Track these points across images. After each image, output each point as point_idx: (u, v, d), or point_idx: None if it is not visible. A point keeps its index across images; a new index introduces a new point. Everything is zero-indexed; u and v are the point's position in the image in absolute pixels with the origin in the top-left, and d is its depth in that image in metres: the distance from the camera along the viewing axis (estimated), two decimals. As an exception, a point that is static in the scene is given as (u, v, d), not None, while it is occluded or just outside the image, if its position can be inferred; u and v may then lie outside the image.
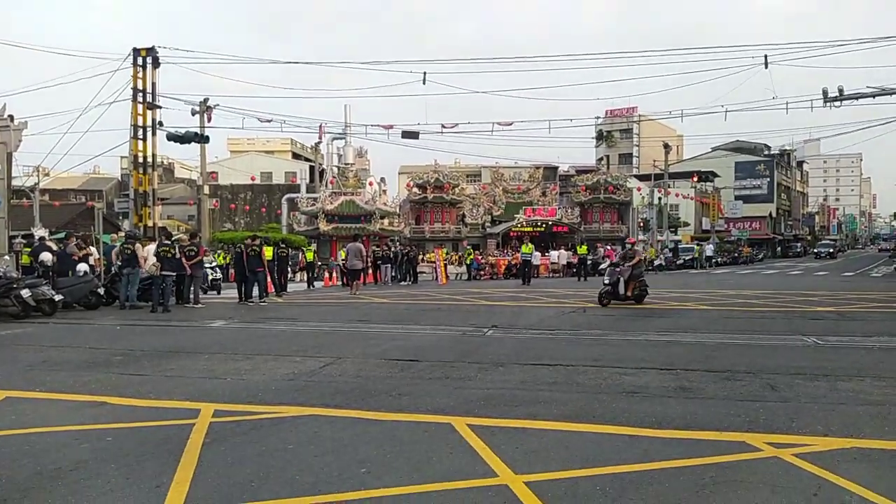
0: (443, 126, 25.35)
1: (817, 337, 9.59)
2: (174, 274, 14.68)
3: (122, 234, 19.05)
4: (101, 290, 15.02)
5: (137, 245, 15.22)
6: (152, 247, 15.45)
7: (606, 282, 14.61)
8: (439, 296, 18.84)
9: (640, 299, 14.68)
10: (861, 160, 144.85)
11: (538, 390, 6.24)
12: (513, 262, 30.86)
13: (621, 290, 14.33)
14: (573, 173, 65.24)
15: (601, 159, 78.40)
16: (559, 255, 34.26)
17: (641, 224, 48.87)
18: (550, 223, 49.42)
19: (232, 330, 11.36)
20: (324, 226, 39.72)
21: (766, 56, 18.12)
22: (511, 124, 25.66)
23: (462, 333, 10.46)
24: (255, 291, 16.53)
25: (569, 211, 51.25)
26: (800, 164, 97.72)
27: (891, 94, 18.53)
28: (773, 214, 77.66)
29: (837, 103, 18.17)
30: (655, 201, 48.77)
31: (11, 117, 16.52)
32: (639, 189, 53.60)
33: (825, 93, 18.02)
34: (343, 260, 25.91)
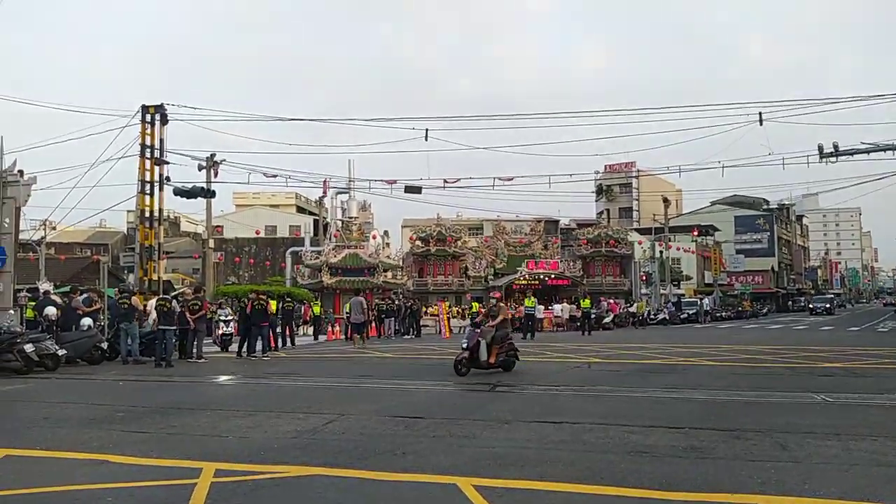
0: (445, 181, 25.79)
1: (826, 394, 9.47)
2: (174, 328, 14.62)
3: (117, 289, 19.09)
4: (105, 345, 14.95)
5: (134, 299, 15.23)
6: (153, 301, 15.49)
7: (465, 345, 12.04)
8: (443, 350, 18.70)
9: (507, 366, 12.29)
10: (860, 214, 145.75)
11: (545, 449, 6.15)
12: (516, 316, 30.73)
13: (482, 355, 11.83)
14: (574, 227, 65.66)
15: (601, 213, 79.07)
16: (562, 309, 34.12)
17: (644, 277, 48.85)
18: (553, 276, 49.44)
19: (235, 385, 11.26)
20: (327, 279, 39.74)
21: (760, 113, 18.52)
22: (512, 179, 26.11)
23: (467, 389, 10.36)
24: (259, 345, 16.44)
25: (571, 264, 51.31)
26: (799, 218, 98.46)
27: (885, 150, 18.83)
28: (776, 268, 77.72)
29: (833, 159, 18.45)
30: (657, 255, 48.90)
31: (21, 172, 16.82)
32: (640, 242, 53.82)
33: (821, 149, 18.33)
34: (347, 313, 25.87)
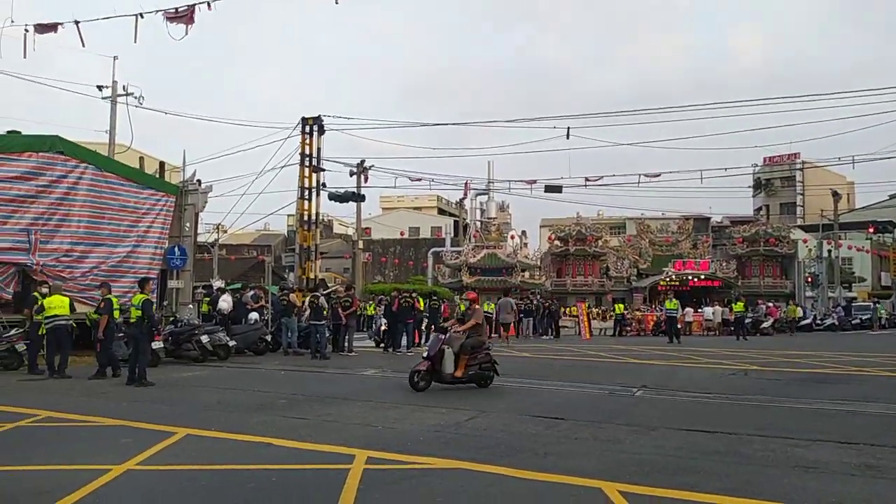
0: (586, 179, 25.28)
1: None
2: (323, 323, 15.58)
3: (278, 286, 20.75)
4: (269, 338, 16.34)
5: (292, 296, 16.46)
6: (307, 298, 16.66)
7: (425, 355, 10.17)
8: (583, 351, 18.34)
9: (481, 381, 10.21)
10: None
11: (696, 459, 5.84)
12: (661, 319, 29.34)
13: (446, 367, 9.87)
14: (727, 224, 61.44)
15: (759, 209, 73.18)
16: (714, 312, 32.01)
17: (809, 279, 44.57)
18: (703, 277, 46.61)
19: (382, 379, 11.82)
20: (467, 278, 40.48)
21: (956, 93, 16.15)
22: (659, 175, 24.91)
23: (609, 392, 10.09)
24: (404, 341, 17.11)
25: (723, 264, 48.05)
26: None
27: None
28: (973, 269, 67.56)
29: None
30: (824, 254, 44.44)
31: (199, 182, 18.81)
32: (805, 241, 49.21)
33: None
34: (486, 313, 26.15)
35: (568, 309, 35.67)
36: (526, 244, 64.29)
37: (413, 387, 9.74)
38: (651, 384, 10.88)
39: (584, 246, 47.44)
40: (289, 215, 56.73)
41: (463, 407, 8.38)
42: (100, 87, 22.61)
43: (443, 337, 10.14)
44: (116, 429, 7.05)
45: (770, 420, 7.81)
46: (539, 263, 46.58)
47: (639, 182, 25.12)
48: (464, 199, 52.62)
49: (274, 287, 21.89)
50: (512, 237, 50.75)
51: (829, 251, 45.00)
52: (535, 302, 27.85)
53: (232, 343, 14.71)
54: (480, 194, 49.94)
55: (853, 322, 36.81)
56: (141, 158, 22.39)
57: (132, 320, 11.21)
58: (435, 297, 21.54)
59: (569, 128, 21.57)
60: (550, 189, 25.75)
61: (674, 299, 25.59)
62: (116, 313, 11.64)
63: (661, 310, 29.21)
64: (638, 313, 33.24)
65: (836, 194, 45.18)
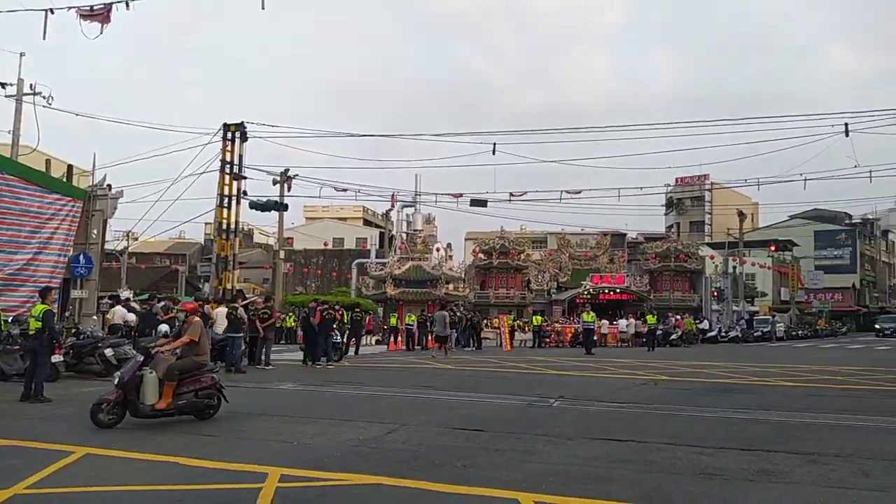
0: (511, 194, 25.70)
1: (916, 420, 8.85)
2: (241, 335, 15.09)
3: (193, 297, 19.96)
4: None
5: (207, 307, 15.84)
6: (223, 309, 16.02)
7: (117, 381, 7.91)
8: (504, 363, 18.58)
9: (198, 412, 8.26)
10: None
11: (610, 468, 6.00)
12: (578, 331, 30.22)
13: (147, 397, 7.82)
14: (642, 240, 64.12)
15: (671, 227, 76.92)
16: (628, 325, 33.32)
17: (715, 293, 47.14)
18: (618, 290, 48.40)
19: (300, 393, 11.53)
20: (391, 290, 40.29)
21: (846, 124, 17.62)
22: (580, 193, 25.67)
23: (528, 403, 10.24)
24: (320, 353, 16.78)
25: (637, 279, 50.10)
26: (885, 233, 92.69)
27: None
28: (857, 286, 73.43)
29: (925, 170, 17.29)
30: (730, 270, 47.13)
31: (109, 186, 17.88)
32: (712, 257, 52.02)
33: (911, 160, 17.21)
34: (409, 325, 26.20)
35: (489, 321, 36.10)
36: (451, 256, 64.74)
37: (96, 423, 7.54)
38: (568, 395, 11.13)
39: (507, 259, 48.30)
40: (206, 223, 54.83)
41: (382, 420, 8.29)
42: (2, 85, 21.12)
43: (141, 359, 8.11)
44: (5, 449, 6.53)
45: (678, 428, 8.14)
46: (463, 276, 46.99)
47: (560, 198, 25.87)
48: (390, 210, 52.52)
49: (187, 297, 21.03)
50: (437, 249, 51.00)
51: (734, 267, 47.78)
52: (458, 314, 28.02)
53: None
54: (407, 206, 49.91)
55: (755, 334, 39.19)
56: (48, 161, 21.08)
57: (31, 332, 10.45)
58: (358, 309, 21.27)
59: (495, 143, 21.82)
60: (476, 203, 26.08)
61: (591, 312, 26.40)
62: (5, 324, 10.84)
63: (579, 322, 30.05)
64: (557, 325, 34.05)
65: (741, 214, 48.05)
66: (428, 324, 26.46)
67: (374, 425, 7.95)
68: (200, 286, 28.87)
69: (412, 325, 26.73)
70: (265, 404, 9.92)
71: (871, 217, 79.80)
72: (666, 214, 79.17)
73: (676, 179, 72.91)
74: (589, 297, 47.49)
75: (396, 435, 7.39)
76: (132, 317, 15.47)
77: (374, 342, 29.78)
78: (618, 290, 48.38)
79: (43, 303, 10.55)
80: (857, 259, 74.79)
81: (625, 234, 66.01)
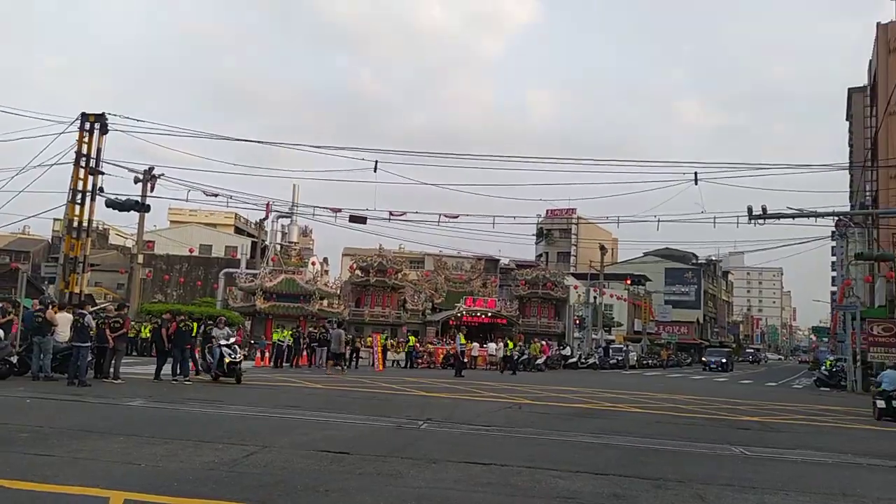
0: (391, 213, 25.69)
1: (744, 447, 9.78)
2: (88, 345, 13.85)
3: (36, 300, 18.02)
4: (14, 359, 14.01)
5: (49, 312, 14.39)
6: (66, 315, 14.60)
7: None
8: (375, 383, 18.42)
9: None
10: (782, 274, 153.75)
11: (471, 491, 6.08)
12: (451, 352, 30.66)
13: None
14: (514, 267, 66.59)
15: (541, 256, 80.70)
16: (497, 348, 34.28)
17: (577, 321, 49.84)
18: (490, 314, 49.79)
19: (152, 410, 10.72)
20: (261, 303, 38.76)
21: (696, 173, 19.52)
22: (457, 217, 26.19)
23: (397, 426, 10.19)
24: (176, 368, 15.74)
25: (508, 304, 51.86)
26: (725, 274, 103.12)
27: (809, 216, 20.02)
28: (701, 321, 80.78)
29: (761, 221, 19.43)
30: (591, 300, 50.07)
31: (-60, 170, 15.86)
32: (575, 287, 55.00)
33: (750, 210, 19.29)
34: (279, 341, 25.36)
35: (362, 339, 35.72)
36: (327, 271, 63.57)
37: None
38: (436, 417, 11.21)
39: (385, 278, 48.19)
40: (55, 219, 50.03)
41: (242, 442, 7.88)
42: None
43: None
44: None
45: (538, 452, 8.44)
46: (339, 292, 46.23)
47: (439, 221, 26.23)
48: (264, 219, 50.68)
49: (28, 300, 18.95)
50: (313, 263, 49.93)
51: (595, 298, 50.82)
52: (330, 331, 27.47)
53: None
54: (283, 216, 48.43)
55: (611, 362, 41.81)
56: None
57: None
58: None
59: (377, 161, 21.80)
60: (355, 220, 25.83)
61: (462, 335, 26.94)
62: None
63: (453, 344, 30.43)
64: (430, 346, 34.34)
65: (602, 248, 51.33)
66: (309, 340, 25.90)
67: (234, 447, 7.54)
68: (44, 288, 26.16)
69: (283, 342, 25.85)
70: (111, 422, 9.11)
71: (714, 258, 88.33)
72: (537, 244, 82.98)
73: (547, 211, 76.84)
74: (462, 319, 48.41)
75: (257, 458, 7.05)
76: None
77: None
78: (489, 314, 49.75)
79: None
80: (702, 296, 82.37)
81: (498, 260, 68.26)
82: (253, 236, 61.89)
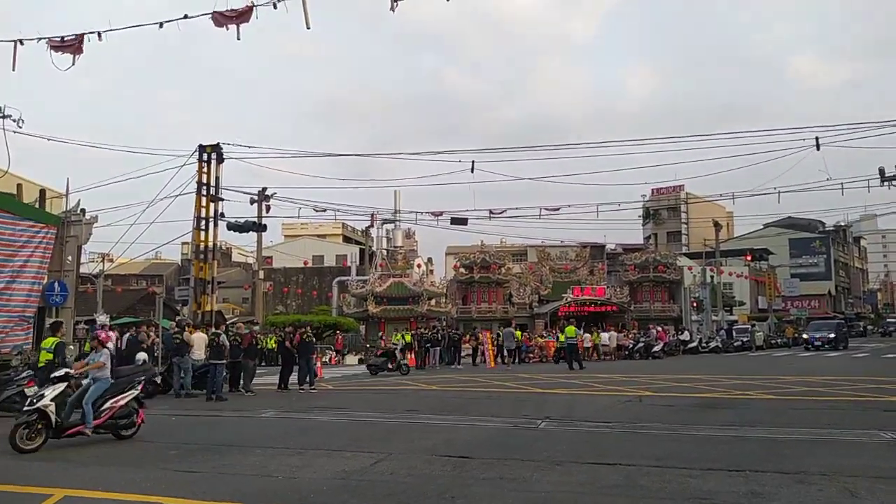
0: (490, 212, 25.73)
1: (894, 432, 8.94)
2: (223, 362, 14.87)
3: (173, 322, 19.59)
4: (158, 379, 15.33)
5: (186, 333, 15.59)
6: (201, 335, 15.74)
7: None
8: (488, 382, 18.50)
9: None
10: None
11: (600, 494, 5.97)
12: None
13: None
14: (620, 251, 64.67)
15: (649, 238, 77.75)
16: (610, 337, 33.42)
17: (694, 304, 47.57)
18: (599, 303, 48.64)
19: (283, 421, 11.35)
20: (372, 308, 40.06)
21: (817, 138, 17.97)
22: (558, 209, 25.76)
23: (514, 426, 10.19)
24: (296, 378, 16.59)
25: (618, 290, 50.41)
26: (857, 240, 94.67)
27: (951, 171, 18.01)
28: (833, 292, 74.73)
29: (895, 182, 17.73)
30: (708, 280, 47.65)
31: (83, 211, 17.57)
32: (690, 268, 52.56)
33: (882, 172, 17.69)
34: (393, 344, 26.07)
35: (471, 336, 35.97)
36: (432, 271, 64.69)
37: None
38: (554, 415, 11.09)
39: (489, 273, 48.33)
40: (183, 243, 54.16)
41: (369, 450, 8.17)
42: (-30, 108, 20.63)
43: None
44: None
45: (665, 449, 8.14)
46: (445, 291, 46.91)
47: (540, 215, 25.93)
48: (370, 227, 52.38)
49: (165, 321, 20.66)
50: (418, 266, 50.95)
51: (712, 277, 48.29)
52: (441, 331, 27.94)
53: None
54: (387, 222, 49.81)
55: (735, 344, 39.54)
56: (19, 185, 20.64)
57: (41, 364, 10.27)
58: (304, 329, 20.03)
59: (473, 161, 21.80)
60: (456, 221, 26.13)
61: (572, 326, 26.27)
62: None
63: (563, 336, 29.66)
64: (540, 339, 33.98)
65: (717, 224, 48.68)
66: (422, 341, 26.37)
67: (361, 455, 7.84)
68: (178, 309, 28.44)
69: (398, 345, 26.54)
70: (248, 435, 9.75)
71: (843, 225, 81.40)
72: (643, 226, 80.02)
73: (653, 190, 73.91)
74: (572, 309, 47.65)
75: (383, 465, 7.29)
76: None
77: (357, 361, 29.54)
78: (599, 302, 48.62)
79: (53, 335, 10.50)
80: (832, 266, 76.20)
81: (604, 246, 66.53)
82: (360, 244, 64.11)
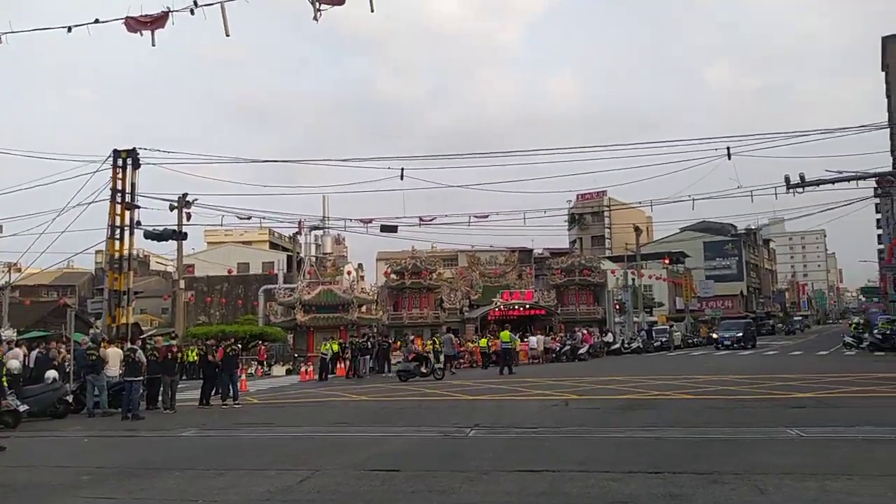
0: (420, 219, 25.69)
1: (800, 429, 9.51)
2: (140, 379, 14.22)
3: (86, 338, 18.57)
4: (70, 398, 14.49)
5: (102, 350, 14.81)
6: (116, 350, 14.96)
7: None
8: (419, 390, 18.48)
9: None
10: (825, 236, 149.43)
11: (526, 502, 6.06)
12: (492, 350, 30.41)
13: None
14: (548, 256, 66.14)
15: (574, 242, 79.95)
16: (537, 341, 34.09)
17: (617, 306, 49.25)
18: (528, 306, 49.56)
19: (205, 439, 10.95)
20: (301, 316, 39.26)
21: (728, 147, 18.98)
22: (487, 217, 26.15)
23: (444, 435, 10.21)
24: (227, 392, 16.06)
25: (545, 294, 51.56)
26: (766, 242, 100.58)
27: (849, 180, 19.42)
28: (745, 292, 79.02)
29: (800, 189, 18.95)
30: (629, 283, 49.43)
31: (-15, 220, 16.44)
32: (613, 272, 54.36)
33: (787, 180, 18.84)
34: (322, 353, 25.62)
35: (402, 343, 35.85)
36: (363, 277, 64.17)
37: None
38: (483, 423, 11.20)
39: (420, 279, 48.41)
40: (97, 251, 51.42)
41: (295, 467, 7.98)
42: None
43: None
44: None
45: (590, 453, 8.36)
46: (376, 297, 46.62)
47: (469, 222, 26.15)
48: (297, 233, 51.39)
49: (78, 335, 19.55)
50: (348, 272, 50.38)
51: (633, 280, 50.12)
52: (371, 339, 27.72)
53: (24, 408, 12.79)
54: (315, 229, 49.00)
55: (655, 344, 41.15)
56: None
57: None
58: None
59: (402, 169, 21.67)
60: (386, 229, 25.95)
61: (508, 330, 26.47)
62: None
63: (495, 340, 29.85)
64: (471, 344, 34.21)
65: (637, 229, 50.60)
66: (352, 349, 26.03)
67: (286, 473, 7.64)
68: (92, 322, 26.97)
69: (327, 354, 26.15)
70: (167, 456, 9.34)
71: (753, 228, 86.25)
72: (569, 230, 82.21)
73: (578, 196, 76.07)
74: (501, 314, 48.31)
75: (310, 483, 7.14)
76: (16, 364, 14.18)
77: (284, 372, 28.91)
78: (527, 306, 49.53)
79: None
80: (744, 268, 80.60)
81: (532, 251, 67.87)
82: (288, 250, 62.80)
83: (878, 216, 64.14)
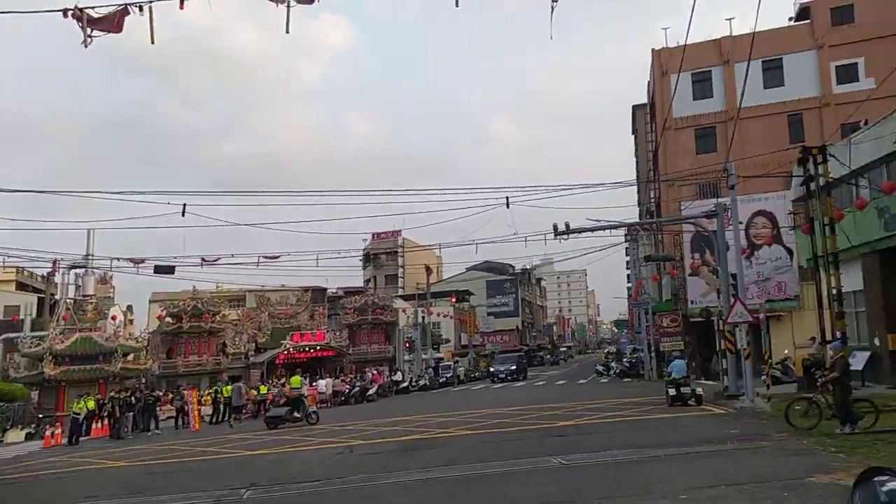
0: (203, 259, 23.52)
1: (562, 457, 10.30)
2: None
3: None
4: None
5: None
6: None
7: None
8: (190, 448, 16.85)
9: None
10: (586, 275, 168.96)
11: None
12: (288, 396, 28.38)
13: None
14: (342, 294, 65.67)
15: (369, 280, 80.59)
16: (326, 384, 33.36)
17: (407, 344, 50.29)
18: (319, 347, 48.44)
19: None
20: (50, 369, 33.88)
21: (507, 198, 20.60)
22: (278, 257, 24.57)
23: (215, 500, 9.33)
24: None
25: (337, 334, 50.87)
26: (538, 280, 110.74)
27: (603, 228, 22.18)
28: (520, 327, 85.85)
29: (566, 236, 21.10)
30: (419, 320, 50.85)
31: None
32: (404, 310, 55.58)
33: (555, 228, 20.91)
34: (75, 413, 22.63)
35: (169, 396, 32.77)
36: (132, 321, 57.89)
37: None
38: (261, 481, 10.48)
39: (201, 322, 44.78)
40: None
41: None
42: None
43: None
44: None
45: (366, 501, 8.19)
46: (146, 344, 42.11)
47: (258, 263, 24.45)
48: (52, 274, 44.85)
49: None
50: (114, 317, 45.07)
51: (423, 318, 51.70)
52: (136, 394, 24.88)
53: None
54: (76, 267, 43.18)
55: (441, 381, 42.60)
56: None
57: None
58: None
59: (185, 204, 19.41)
60: (161, 270, 23.24)
61: (298, 376, 25.45)
62: None
63: (287, 386, 28.23)
64: (254, 392, 32.17)
65: (428, 269, 52.48)
66: (112, 406, 23.17)
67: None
68: None
69: (80, 414, 22.83)
70: None
71: (528, 268, 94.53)
72: (364, 269, 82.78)
73: (373, 235, 77.21)
74: (290, 356, 46.55)
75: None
76: None
77: (23, 437, 24.72)
78: (318, 347, 48.37)
79: None
80: (520, 304, 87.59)
81: (325, 290, 66.83)
82: (40, 292, 54.53)
83: (627, 258, 74.05)
